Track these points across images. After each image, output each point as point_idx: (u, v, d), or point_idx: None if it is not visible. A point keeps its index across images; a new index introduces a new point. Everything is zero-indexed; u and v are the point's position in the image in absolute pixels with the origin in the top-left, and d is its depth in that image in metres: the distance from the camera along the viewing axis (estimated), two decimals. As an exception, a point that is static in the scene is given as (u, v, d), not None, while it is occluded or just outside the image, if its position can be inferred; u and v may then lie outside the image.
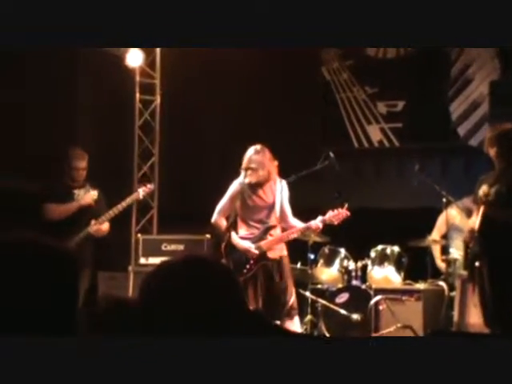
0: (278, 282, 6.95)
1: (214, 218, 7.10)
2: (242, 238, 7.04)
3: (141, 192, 7.99)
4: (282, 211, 7.12)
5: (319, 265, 8.58)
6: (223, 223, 7.10)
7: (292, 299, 6.98)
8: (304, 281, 8.11)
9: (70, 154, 7.62)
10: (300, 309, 7.28)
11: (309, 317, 7.91)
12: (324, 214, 6.99)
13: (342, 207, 7.05)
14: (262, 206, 7.08)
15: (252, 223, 7.09)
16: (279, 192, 7.09)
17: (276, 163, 7.13)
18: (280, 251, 7.07)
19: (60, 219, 7.43)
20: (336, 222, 6.99)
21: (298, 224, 7.11)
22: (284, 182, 7.14)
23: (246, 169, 7.02)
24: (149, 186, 8.16)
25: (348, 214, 6.98)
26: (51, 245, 2.18)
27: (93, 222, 7.48)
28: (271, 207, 7.07)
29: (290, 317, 6.96)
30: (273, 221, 7.08)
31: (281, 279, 6.97)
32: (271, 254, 7.00)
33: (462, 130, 9.93)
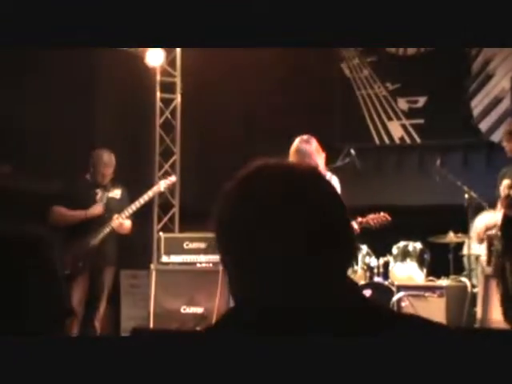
0: None
1: None
2: None
3: (162, 184, 7.97)
4: None
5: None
6: None
7: None
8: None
9: (95, 156, 7.52)
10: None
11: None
12: (363, 216, 6.71)
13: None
14: None
15: None
16: None
17: (323, 155, 7.00)
18: None
19: (64, 225, 7.41)
20: (374, 226, 6.69)
21: None
22: (334, 178, 6.85)
23: (292, 158, 6.70)
24: (170, 178, 8.15)
25: (388, 218, 6.74)
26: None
27: (115, 216, 7.46)
28: None
29: None
30: None
31: None
32: None
33: (483, 126, 9.89)
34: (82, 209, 7.40)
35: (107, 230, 7.44)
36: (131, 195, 7.74)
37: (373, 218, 6.70)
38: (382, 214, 6.70)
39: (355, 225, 6.63)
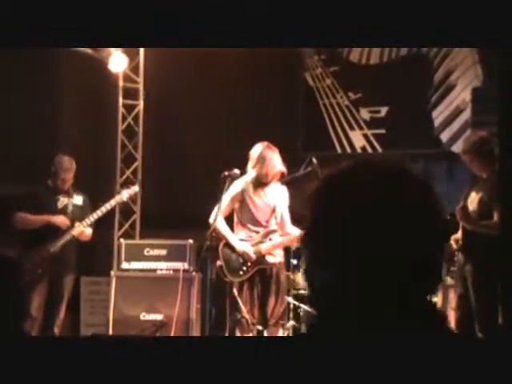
0: (275, 287, 6.86)
1: (212, 218, 6.77)
2: (242, 240, 6.84)
3: (125, 194, 7.95)
4: (282, 216, 6.91)
5: (301, 270, 8.58)
6: (222, 223, 6.86)
7: (282, 308, 6.95)
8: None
9: (57, 162, 7.48)
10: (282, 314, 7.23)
11: (291, 322, 7.90)
12: None
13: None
14: (264, 208, 6.86)
15: (252, 226, 6.87)
16: (280, 196, 6.91)
17: None
18: (280, 257, 6.93)
19: (28, 229, 7.35)
20: None
21: (295, 231, 6.79)
22: (284, 187, 6.96)
23: (257, 164, 6.78)
24: (133, 188, 8.13)
25: None
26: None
27: (76, 224, 7.42)
28: (272, 211, 6.87)
29: (276, 327, 6.92)
30: (273, 225, 6.88)
31: (277, 285, 6.89)
32: (270, 259, 6.85)
33: (444, 136, 9.97)
34: (43, 214, 7.36)
35: (68, 237, 7.39)
36: (92, 201, 7.71)
37: None
38: None
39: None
